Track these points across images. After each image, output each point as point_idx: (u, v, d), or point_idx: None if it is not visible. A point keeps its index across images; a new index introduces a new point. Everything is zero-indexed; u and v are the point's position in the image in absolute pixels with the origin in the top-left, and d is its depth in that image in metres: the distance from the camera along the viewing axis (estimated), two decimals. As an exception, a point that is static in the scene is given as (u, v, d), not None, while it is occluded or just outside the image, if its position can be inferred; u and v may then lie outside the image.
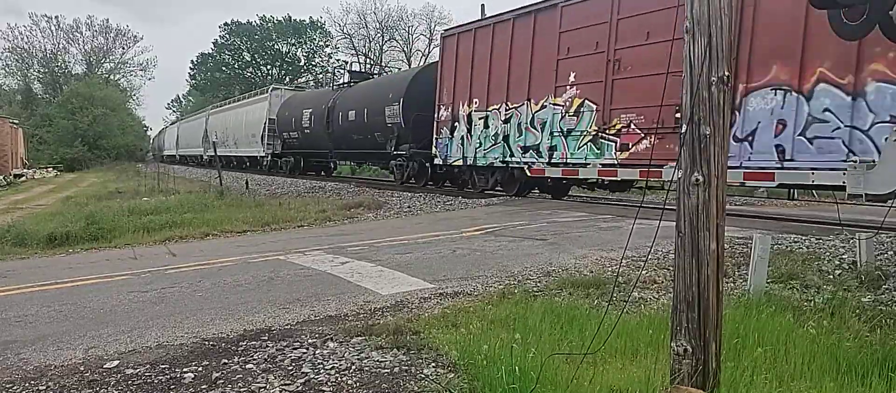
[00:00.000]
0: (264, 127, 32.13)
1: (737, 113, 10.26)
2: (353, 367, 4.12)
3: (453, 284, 6.39)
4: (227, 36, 75.41)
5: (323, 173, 30.89)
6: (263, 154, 32.64)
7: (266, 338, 4.78)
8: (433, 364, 4.11)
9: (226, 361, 4.31)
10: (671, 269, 4.31)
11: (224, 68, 75.96)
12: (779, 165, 9.91)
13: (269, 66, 75.08)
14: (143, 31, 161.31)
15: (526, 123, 14.88)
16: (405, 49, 63.43)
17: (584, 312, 5.03)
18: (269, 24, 74.72)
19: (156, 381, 3.98)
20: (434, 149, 18.34)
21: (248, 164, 38.25)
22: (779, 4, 9.89)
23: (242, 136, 37.12)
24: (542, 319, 4.77)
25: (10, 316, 5.74)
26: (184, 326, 5.19)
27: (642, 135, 12.12)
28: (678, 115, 8.03)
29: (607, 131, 12.79)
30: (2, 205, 20.70)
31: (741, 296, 5.49)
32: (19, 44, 68.18)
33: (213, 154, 39.75)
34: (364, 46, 66.47)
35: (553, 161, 14.07)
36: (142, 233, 11.81)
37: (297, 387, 3.82)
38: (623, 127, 12.47)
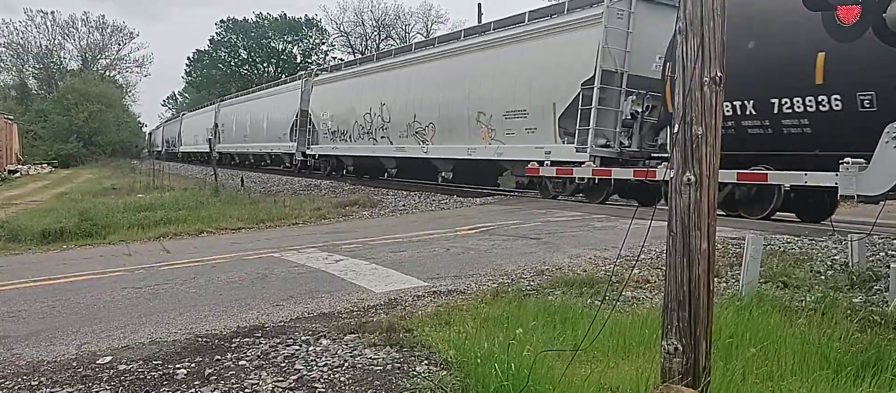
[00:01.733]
0: (592, 92, 13.39)
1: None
2: (346, 364, 4.12)
3: (447, 283, 6.40)
4: (224, 33, 75.29)
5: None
6: (586, 155, 13.61)
7: (259, 335, 4.79)
8: (426, 362, 4.12)
9: (219, 357, 4.31)
10: (664, 268, 4.32)
11: (220, 66, 75.83)
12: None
13: (265, 64, 75.01)
14: (136, 28, 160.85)
15: None
16: (402, 48, 63.48)
17: (578, 311, 5.05)
18: (266, 22, 74.61)
19: (149, 377, 3.98)
20: None
21: (460, 168, 18.93)
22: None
23: (467, 118, 16.91)
24: (535, 318, 4.79)
25: (3, 311, 5.73)
26: (177, 323, 5.19)
27: None
28: None
29: None
30: (-4, 201, 20.62)
31: (733, 296, 5.51)
32: (14, 39, 67.94)
33: (329, 152, 25.25)
34: (361, 45, 66.52)
35: None
36: (136, 229, 11.80)
37: (290, 384, 3.83)
38: None
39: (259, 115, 34.26)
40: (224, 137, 40.69)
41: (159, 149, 66.70)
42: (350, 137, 23.89)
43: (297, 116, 28.27)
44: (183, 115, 59.17)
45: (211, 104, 48.87)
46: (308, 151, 27.40)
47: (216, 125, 42.58)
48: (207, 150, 43.00)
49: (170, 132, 62.98)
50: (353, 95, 23.70)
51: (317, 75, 28.88)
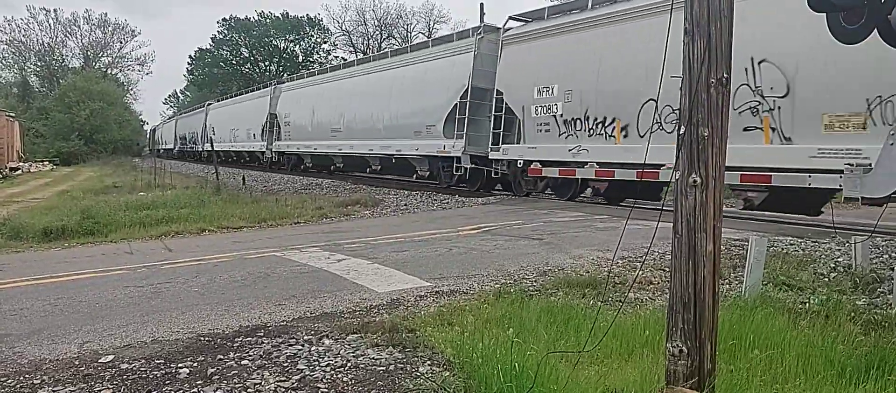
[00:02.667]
0: None
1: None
2: (349, 364, 4.11)
3: (449, 283, 6.39)
4: (226, 31, 75.27)
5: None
6: None
7: (261, 334, 4.78)
8: (429, 362, 4.11)
9: (221, 356, 4.30)
10: (667, 270, 4.35)
11: (222, 64, 75.79)
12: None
13: (267, 63, 74.99)
14: (137, 26, 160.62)
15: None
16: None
17: (580, 312, 5.03)
18: (267, 21, 74.61)
19: (151, 376, 3.98)
20: None
21: None
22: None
23: None
24: (538, 319, 4.78)
25: (5, 309, 5.73)
26: (179, 322, 5.18)
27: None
28: None
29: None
30: (-3, 198, 20.62)
31: (736, 297, 5.50)
32: (16, 37, 67.93)
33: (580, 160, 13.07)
34: (362, 44, 66.56)
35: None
36: (138, 228, 11.80)
37: (293, 384, 3.82)
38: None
39: (374, 95, 21.69)
40: (292, 133, 28.67)
41: (170, 147, 59.37)
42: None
43: (462, 96, 16.80)
44: (208, 105, 47.36)
45: (264, 87, 36.27)
46: (509, 155, 15.84)
47: (273, 116, 30.88)
48: (258, 149, 32.60)
49: (187, 127, 52.67)
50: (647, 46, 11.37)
51: (506, 30, 16.52)
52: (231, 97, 44.57)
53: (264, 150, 32.11)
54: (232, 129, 37.84)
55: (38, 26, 69.86)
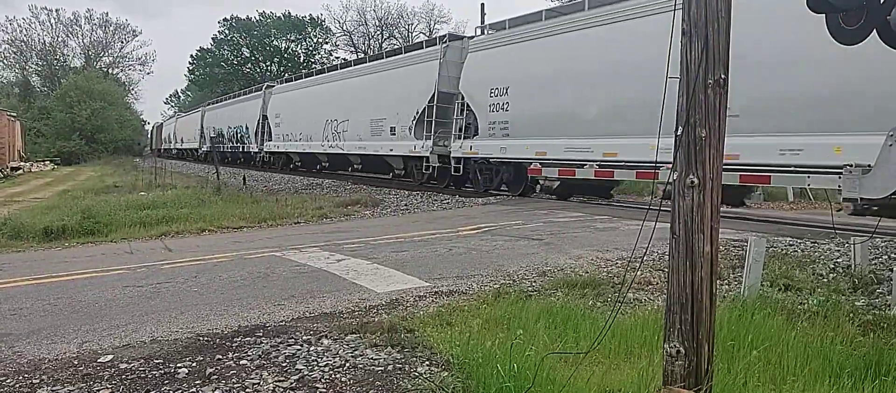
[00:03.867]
0: None
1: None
2: (347, 364, 4.12)
3: (448, 283, 6.40)
4: (227, 31, 75.30)
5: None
6: None
7: (260, 334, 4.79)
8: (427, 362, 4.12)
9: (220, 356, 4.31)
10: (666, 270, 4.34)
11: (223, 64, 75.82)
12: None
13: (268, 63, 75.03)
14: (138, 26, 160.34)
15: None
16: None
17: (579, 312, 5.03)
18: (269, 21, 74.63)
19: (150, 375, 3.98)
20: None
21: None
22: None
23: None
24: (537, 319, 4.78)
25: (5, 309, 5.73)
26: (178, 322, 5.19)
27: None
28: None
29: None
30: (-2, 198, 20.63)
31: (735, 298, 5.50)
32: (18, 36, 68.07)
33: None
34: (363, 44, 66.63)
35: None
36: (138, 227, 11.80)
37: (291, 384, 3.82)
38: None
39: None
40: (514, 127, 15.52)
41: (193, 146, 48.97)
42: None
43: None
44: (268, 87, 34.30)
45: (418, 47, 22.18)
46: None
47: (450, 97, 17.95)
48: (403, 152, 19.58)
49: (225, 120, 40.59)
50: None
51: None
52: (312, 75, 31.22)
53: (426, 153, 18.48)
54: (330, 122, 24.46)
55: (40, 26, 70.05)
